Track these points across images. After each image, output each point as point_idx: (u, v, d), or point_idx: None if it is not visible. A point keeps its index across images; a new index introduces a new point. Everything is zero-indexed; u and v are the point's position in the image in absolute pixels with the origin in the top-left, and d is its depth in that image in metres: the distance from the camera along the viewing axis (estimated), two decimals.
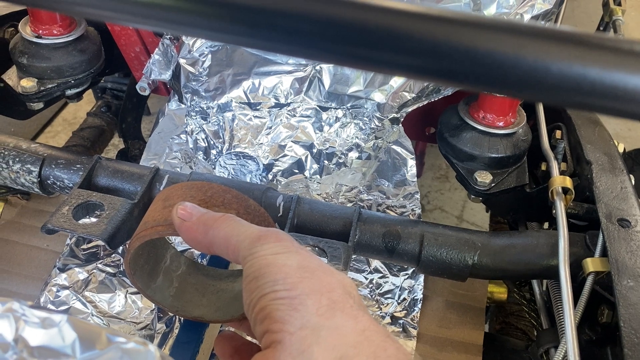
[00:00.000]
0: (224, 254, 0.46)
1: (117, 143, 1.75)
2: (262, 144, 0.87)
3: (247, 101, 0.87)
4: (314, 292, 0.40)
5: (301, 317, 0.39)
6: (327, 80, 0.86)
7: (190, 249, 0.86)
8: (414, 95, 0.86)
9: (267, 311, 0.40)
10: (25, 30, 0.93)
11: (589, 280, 0.67)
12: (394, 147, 0.89)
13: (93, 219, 0.68)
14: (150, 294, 0.59)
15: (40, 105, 0.96)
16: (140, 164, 0.91)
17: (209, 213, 0.49)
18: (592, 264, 0.67)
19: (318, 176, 0.88)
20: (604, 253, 0.68)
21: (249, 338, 0.54)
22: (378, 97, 0.85)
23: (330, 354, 0.37)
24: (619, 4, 1.17)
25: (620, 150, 0.85)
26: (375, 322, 0.40)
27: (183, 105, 0.93)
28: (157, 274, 0.61)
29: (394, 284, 0.85)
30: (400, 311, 0.83)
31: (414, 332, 0.81)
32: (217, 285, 0.63)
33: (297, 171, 0.88)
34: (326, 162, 0.88)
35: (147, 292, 0.59)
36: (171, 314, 0.81)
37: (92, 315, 0.81)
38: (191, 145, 0.92)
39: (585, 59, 0.24)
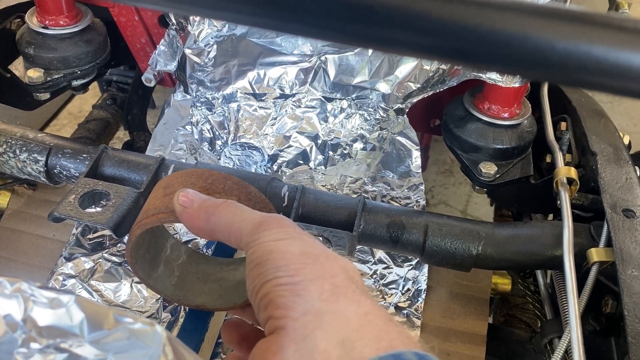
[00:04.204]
0: (227, 240, 0.46)
1: (122, 136, 1.75)
2: (267, 134, 0.88)
3: (252, 92, 0.87)
4: (317, 278, 0.40)
5: (304, 302, 0.39)
6: (332, 71, 0.86)
7: (194, 238, 0.86)
8: (419, 85, 0.86)
9: (270, 297, 0.40)
10: (32, 20, 0.94)
11: (593, 270, 0.67)
12: (399, 138, 0.89)
13: (99, 208, 0.68)
14: (152, 283, 0.60)
15: (47, 95, 0.96)
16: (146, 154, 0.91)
17: (211, 199, 0.49)
18: (596, 254, 0.67)
19: (323, 167, 0.89)
20: (609, 243, 0.68)
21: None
22: (383, 87, 0.86)
23: (332, 338, 0.37)
24: None
25: (626, 142, 0.85)
26: (378, 306, 0.40)
27: (188, 96, 0.93)
28: (158, 264, 0.61)
29: (398, 275, 0.85)
30: (404, 301, 0.84)
31: (418, 322, 0.82)
32: (218, 274, 0.63)
33: (301, 162, 0.88)
34: (331, 153, 0.88)
35: (149, 281, 0.59)
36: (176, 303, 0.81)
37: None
38: (196, 136, 0.92)
39: (591, 37, 0.24)
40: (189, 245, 0.79)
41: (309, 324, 0.38)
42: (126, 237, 0.86)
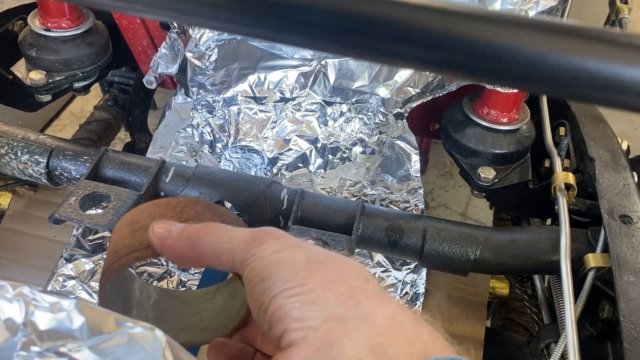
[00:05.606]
0: (217, 263, 0.43)
1: (123, 137, 1.75)
2: (267, 137, 0.88)
3: (252, 95, 0.88)
4: (331, 283, 0.38)
5: (322, 310, 0.36)
6: (332, 75, 0.86)
7: None
8: (418, 90, 0.86)
9: (282, 311, 0.37)
10: (34, 23, 0.94)
11: (590, 276, 0.67)
12: (398, 142, 0.90)
13: (99, 210, 0.69)
14: None
15: (49, 97, 0.97)
16: (147, 157, 0.92)
17: (190, 225, 0.45)
18: (593, 260, 0.68)
19: (322, 170, 0.89)
20: (606, 249, 0.69)
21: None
22: (382, 92, 0.86)
23: (362, 345, 0.35)
24: (625, 2, 1.17)
25: (624, 147, 0.86)
26: (403, 306, 0.38)
27: (189, 99, 0.93)
28: (130, 308, 0.56)
29: (396, 278, 0.86)
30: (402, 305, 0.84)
31: None
32: (194, 307, 0.58)
33: (301, 165, 0.89)
34: (330, 156, 0.89)
35: None
36: None
37: (98, 305, 0.81)
38: (197, 139, 0.93)
39: (583, 51, 0.25)
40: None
41: (332, 331, 0.36)
42: None
